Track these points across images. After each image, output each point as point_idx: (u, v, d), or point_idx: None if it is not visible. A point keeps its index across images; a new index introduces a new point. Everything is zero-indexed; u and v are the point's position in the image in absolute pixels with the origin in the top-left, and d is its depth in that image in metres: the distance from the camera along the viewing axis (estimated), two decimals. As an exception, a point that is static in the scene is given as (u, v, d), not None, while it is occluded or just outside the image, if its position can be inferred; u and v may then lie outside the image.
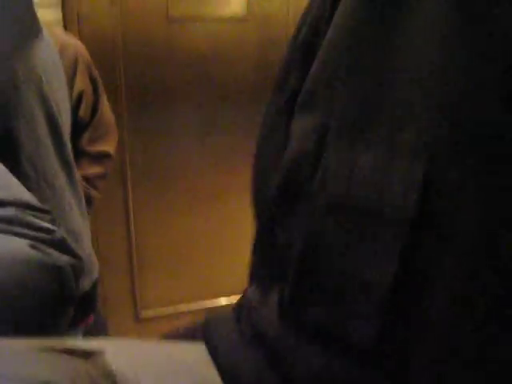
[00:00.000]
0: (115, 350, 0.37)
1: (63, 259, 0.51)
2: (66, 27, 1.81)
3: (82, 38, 1.81)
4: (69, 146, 1.19)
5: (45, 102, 1.06)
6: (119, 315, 2.21)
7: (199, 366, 0.39)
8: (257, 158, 0.44)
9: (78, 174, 1.23)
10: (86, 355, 0.33)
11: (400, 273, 0.29)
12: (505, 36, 0.27)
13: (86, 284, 1.13)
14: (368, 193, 0.30)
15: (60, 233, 0.53)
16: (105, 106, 1.46)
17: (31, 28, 1.05)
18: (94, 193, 1.38)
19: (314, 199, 0.33)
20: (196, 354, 0.40)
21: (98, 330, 1.35)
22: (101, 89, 1.45)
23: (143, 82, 1.99)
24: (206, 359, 0.39)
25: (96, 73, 1.43)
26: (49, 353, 0.32)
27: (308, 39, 0.40)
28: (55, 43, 1.31)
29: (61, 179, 1.09)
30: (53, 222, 0.55)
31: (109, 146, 1.44)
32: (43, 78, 1.05)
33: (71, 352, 0.33)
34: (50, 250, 0.50)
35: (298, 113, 0.37)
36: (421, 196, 0.28)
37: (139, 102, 2.01)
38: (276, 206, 0.38)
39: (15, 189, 0.55)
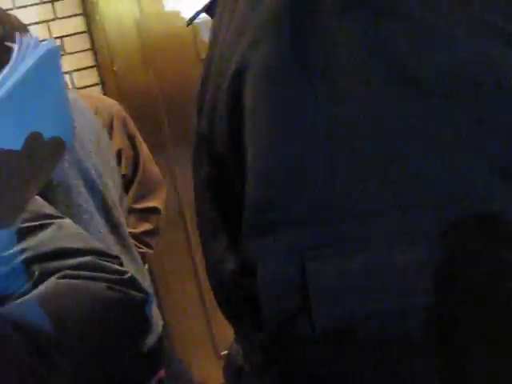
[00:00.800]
0: None
1: (136, 295, 0.58)
2: (104, 89, 1.84)
3: (121, 96, 1.84)
4: (116, 207, 1.18)
5: (81, 168, 1.06)
6: (201, 355, 2.18)
7: None
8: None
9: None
10: None
11: None
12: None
13: (150, 340, 1.10)
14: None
15: (130, 273, 0.60)
16: (147, 161, 1.42)
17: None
18: (145, 250, 1.35)
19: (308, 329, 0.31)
20: None
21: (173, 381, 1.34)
22: (140, 145, 1.42)
23: (187, 126, 1.98)
24: None
25: (133, 129, 1.41)
26: None
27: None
28: (91, 106, 1.32)
29: (108, 242, 1.08)
30: (122, 265, 0.62)
31: (155, 202, 1.40)
32: (76, 146, 1.05)
33: None
34: (124, 289, 0.56)
35: (256, 235, 0.34)
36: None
37: (186, 147, 2.00)
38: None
39: (89, 239, 0.65)
